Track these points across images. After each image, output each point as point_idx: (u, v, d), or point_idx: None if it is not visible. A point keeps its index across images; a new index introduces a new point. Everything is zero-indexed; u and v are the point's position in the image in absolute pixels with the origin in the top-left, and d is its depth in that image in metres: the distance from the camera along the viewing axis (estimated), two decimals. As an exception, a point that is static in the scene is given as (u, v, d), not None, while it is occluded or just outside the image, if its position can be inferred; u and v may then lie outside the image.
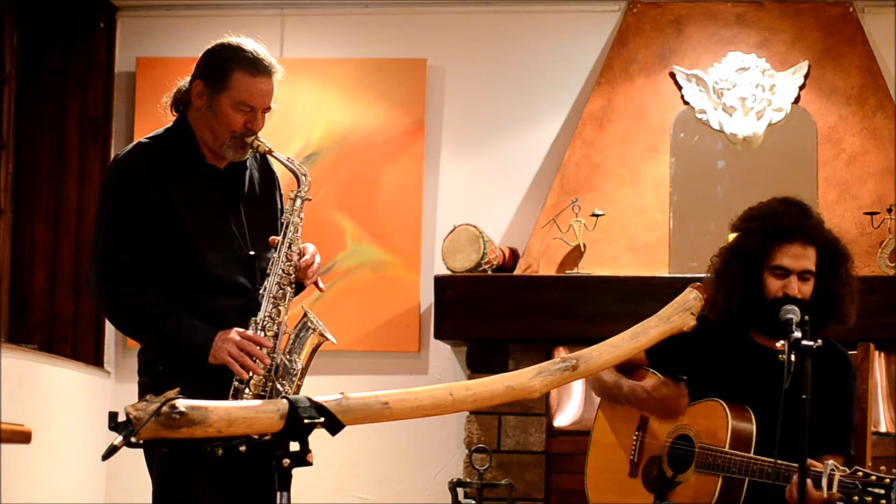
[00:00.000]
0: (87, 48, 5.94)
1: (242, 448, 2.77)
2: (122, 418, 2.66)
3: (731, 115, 5.65)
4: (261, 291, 3.37)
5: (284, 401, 2.84)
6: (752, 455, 3.38)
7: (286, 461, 2.83)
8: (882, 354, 5.37)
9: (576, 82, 5.87)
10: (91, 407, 5.68)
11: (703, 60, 5.72)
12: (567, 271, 5.52)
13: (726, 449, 3.41)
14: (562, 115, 5.86)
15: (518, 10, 5.92)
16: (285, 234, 3.39)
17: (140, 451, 2.74)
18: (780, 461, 3.23)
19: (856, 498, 3.14)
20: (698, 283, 3.47)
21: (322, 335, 3.39)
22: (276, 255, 3.39)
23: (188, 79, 3.46)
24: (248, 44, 3.41)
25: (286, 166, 3.43)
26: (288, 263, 3.39)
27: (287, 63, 5.92)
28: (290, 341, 3.38)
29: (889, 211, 5.37)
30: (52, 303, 5.83)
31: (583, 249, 5.52)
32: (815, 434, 3.27)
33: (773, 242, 3.48)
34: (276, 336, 3.36)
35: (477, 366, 5.53)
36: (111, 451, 2.63)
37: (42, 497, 5.17)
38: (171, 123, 3.48)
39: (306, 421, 2.80)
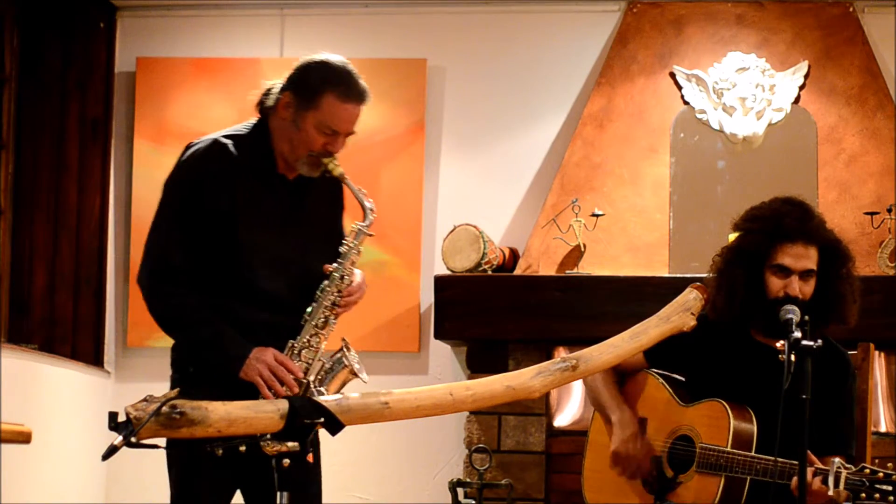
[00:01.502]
0: (87, 48, 5.94)
1: (242, 448, 2.77)
2: (122, 418, 2.66)
3: (731, 115, 5.65)
4: (305, 316, 3.32)
5: (284, 401, 2.84)
6: (755, 454, 3.38)
7: (286, 461, 2.83)
8: (882, 354, 5.37)
9: (576, 82, 5.86)
10: (91, 407, 5.68)
11: (703, 60, 5.72)
12: (567, 271, 5.52)
13: (728, 449, 3.40)
14: (562, 115, 5.86)
15: (518, 10, 5.92)
16: (341, 264, 3.33)
17: (140, 452, 2.73)
18: (782, 460, 3.23)
19: (863, 495, 3.14)
20: (698, 283, 3.48)
21: (353, 373, 3.32)
22: (327, 284, 3.33)
23: (277, 82, 3.39)
24: (344, 66, 3.35)
25: (356, 196, 3.36)
26: (337, 294, 3.34)
27: (287, 63, 5.92)
28: (323, 371, 3.32)
29: (889, 211, 5.37)
30: (52, 303, 5.83)
31: (583, 249, 5.52)
32: (817, 435, 3.28)
33: (775, 242, 3.48)
34: (309, 364, 3.31)
35: (477, 366, 5.53)
36: (111, 451, 2.63)
37: (42, 497, 5.17)
38: (251, 123, 3.42)
39: (306, 421, 2.80)
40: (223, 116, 5.89)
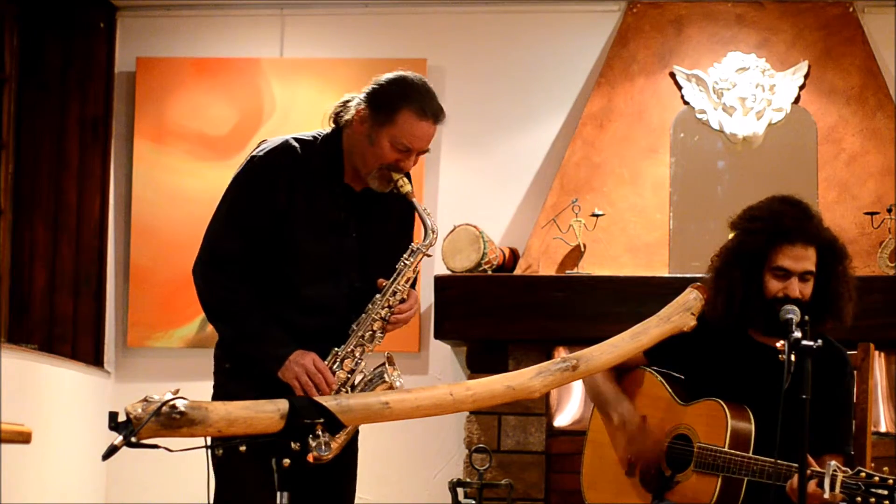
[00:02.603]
0: (87, 48, 5.94)
1: (242, 448, 2.78)
2: (122, 418, 2.66)
3: (731, 115, 5.65)
4: (353, 326, 3.33)
5: (284, 401, 2.84)
6: (752, 455, 3.38)
7: (286, 461, 2.83)
8: (882, 354, 5.37)
9: (576, 82, 5.87)
10: (91, 407, 5.68)
11: (703, 60, 5.72)
12: (567, 271, 5.52)
13: (726, 449, 3.40)
14: (562, 115, 5.86)
15: (518, 10, 5.92)
16: (394, 280, 3.34)
17: (140, 452, 2.73)
18: (780, 461, 3.23)
19: (859, 499, 3.13)
20: (698, 283, 3.48)
21: (392, 389, 3.29)
22: (378, 298, 3.33)
23: (355, 95, 3.39)
24: (423, 84, 3.36)
25: (419, 215, 3.38)
26: (387, 310, 3.33)
27: (287, 63, 5.96)
28: (363, 382, 3.32)
29: (889, 211, 5.37)
30: (52, 303, 5.83)
31: (583, 249, 5.52)
32: (815, 434, 3.28)
33: (775, 243, 3.47)
34: (350, 373, 3.31)
35: (477, 366, 5.53)
36: (111, 451, 2.64)
37: (42, 497, 5.17)
38: (326, 132, 3.42)
39: (306, 421, 2.80)
40: (223, 116, 5.91)
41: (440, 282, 5.49)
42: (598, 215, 5.53)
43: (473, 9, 5.94)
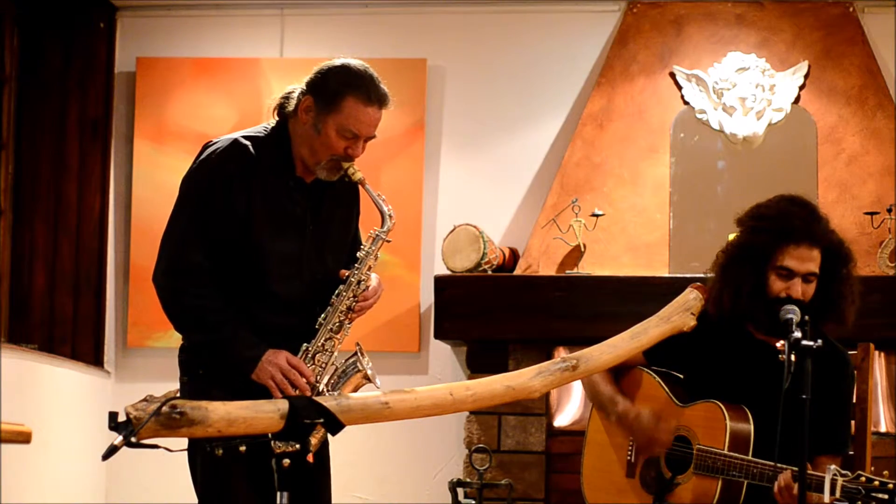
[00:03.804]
0: (87, 48, 5.94)
1: (242, 448, 2.78)
2: (122, 418, 2.66)
3: (731, 115, 5.65)
4: (320, 320, 3.33)
5: (284, 401, 2.84)
6: (751, 458, 3.38)
7: (286, 461, 2.83)
8: (882, 354, 5.37)
9: (576, 82, 5.87)
10: (91, 407, 5.68)
11: (703, 60, 5.72)
12: (567, 271, 5.52)
13: (725, 451, 3.40)
14: (562, 115, 5.86)
15: (518, 10, 5.92)
16: (357, 269, 3.35)
17: (140, 452, 2.73)
18: (780, 464, 3.23)
19: (859, 503, 3.13)
20: (698, 283, 3.48)
21: (367, 378, 3.32)
22: (343, 289, 3.34)
23: (297, 86, 3.38)
24: (365, 70, 3.37)
25: (375, 202, 3.37)
26: (353, 299, 3.35)
27: (287, 63, 5.96)
28: (336, 375, 3.33)
29: (889, 211, 5.37)
30: (52, 303, 5.83)
31: (583, 249, 5.52)
32: (812, 434, 3.27)
33: (781, 243, 3.47)
34: (322, 368, 3.32)
35: (477, 366, 5.53)
36: (111, 451, 2.64)
37: (42, 497, 5.17)
38: (271, 125, 3.41)
39: (306, 421, 2.80)
40: (223, 116, 5.90)
41: (440, 282, 5.49)
42: (598, 215, 5.53)
43: (473, 9, 5.94)
